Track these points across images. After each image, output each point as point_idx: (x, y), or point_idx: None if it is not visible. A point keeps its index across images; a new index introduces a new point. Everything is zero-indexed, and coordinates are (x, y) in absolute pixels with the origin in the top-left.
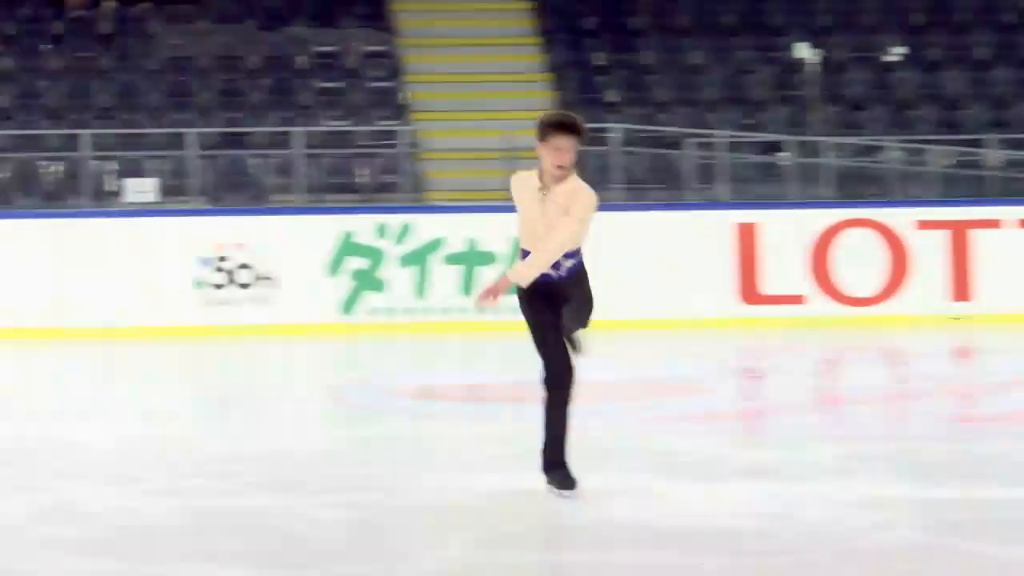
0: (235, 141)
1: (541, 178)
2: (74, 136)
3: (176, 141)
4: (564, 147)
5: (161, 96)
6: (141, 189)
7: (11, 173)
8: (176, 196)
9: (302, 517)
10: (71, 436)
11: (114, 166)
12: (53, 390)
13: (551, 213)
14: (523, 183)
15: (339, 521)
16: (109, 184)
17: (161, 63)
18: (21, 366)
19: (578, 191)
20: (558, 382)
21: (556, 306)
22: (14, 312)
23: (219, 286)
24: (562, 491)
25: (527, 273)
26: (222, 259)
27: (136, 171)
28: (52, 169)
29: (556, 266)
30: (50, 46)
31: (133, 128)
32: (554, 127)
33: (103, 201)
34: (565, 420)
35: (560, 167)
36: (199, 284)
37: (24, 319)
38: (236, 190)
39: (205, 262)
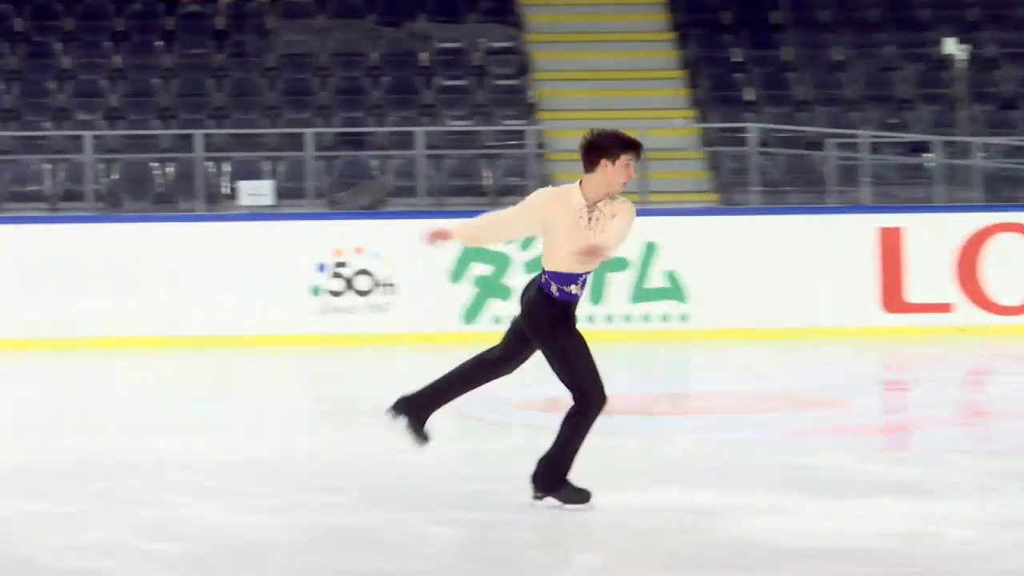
0: (354, 142)
1: (588, 197)
2: (187, 136)
3: (293, 142)
4: (634, 166)
5: (277, 95)
6: (256, 192)
7: (121, 175)
8: (292, 199)
9: (417, 535)
10: (181, 449)
11: (228, 168)
12: (165, 402)
13: (602, 229)
14: (559, 202)
15: (455, 539)
16: (223, 187)
17: (278, 60)
18: (134, 377)
19: (625, 202)
20: (598, 403)
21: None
22: (126, 321)
23: (337, 293)
24: (578, 505)
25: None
26: (340, 265)
27: (251, 173)
28: (164, 171)
29: (582, 283)
30: (162, 43)
31: (248, 128)
32: (628, 146)
33: (217, 204)
34: (584, 440)
35: (625, 184)
36: (316, 291)
37: (136, 328)
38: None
39: (322, 268)
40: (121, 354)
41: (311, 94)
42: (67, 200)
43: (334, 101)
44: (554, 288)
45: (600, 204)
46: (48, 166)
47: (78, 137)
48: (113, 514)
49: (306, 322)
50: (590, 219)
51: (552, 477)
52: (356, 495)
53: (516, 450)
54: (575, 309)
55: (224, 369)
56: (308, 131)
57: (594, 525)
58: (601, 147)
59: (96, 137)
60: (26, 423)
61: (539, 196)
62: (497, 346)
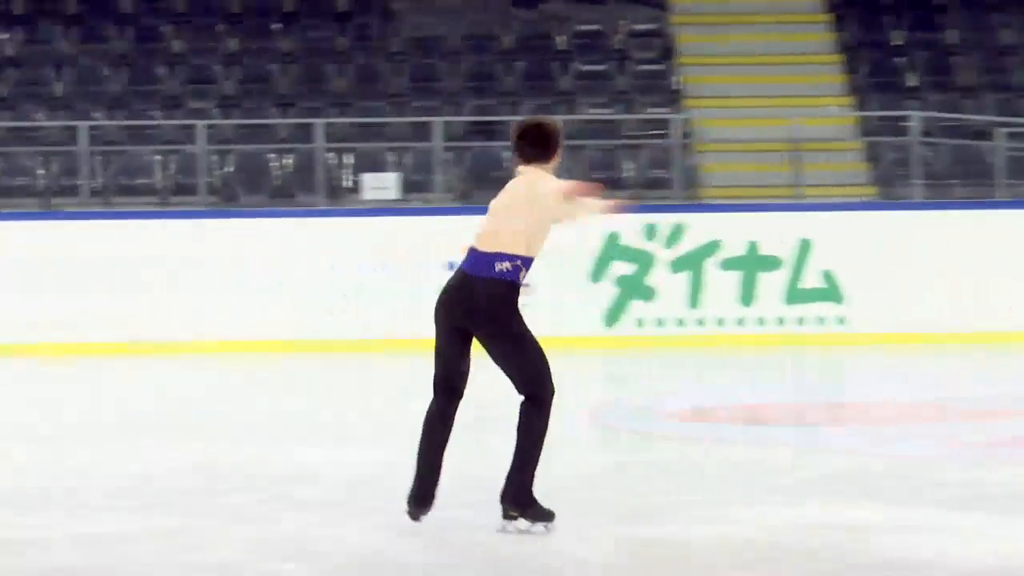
0: (485, 131)
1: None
2: (306, 126)
3: (420, 131)
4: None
5: (403, 81)
6: (381, 185)
7: (236, 167)
8: (419, 193)
9: (563, 554)
10: (310, 461)
11: (350, 160)
12: (293, 409)
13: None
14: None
15: (598, 555)
16: (345, 180)
17: (404, 44)
18: (257, 379)
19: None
20: (550, 397)
21: None
22: (239, 323)
23: None
24: (545, 524)
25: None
26: None
27: (375, 165)
28: (282, 162)
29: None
30: (280, 25)
31: (372, 117)
32: None
33: (338, 199)
34: (543, 443)
35: None
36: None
37: (251, 331)
38: (487, 186)
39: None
40: (240, 356)
41: (439, 80)
42: (178, 194)
43: (464, 88)
44: (523, 275)
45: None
46: (158, 158)
47: (190, 127)
48: (237, 531)
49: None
50: None
51: (523, 493)
52: (492, 510)
53: (658, 462)
54: None
55: (360, 374)
56: (436, 120)
57: (736, 541)
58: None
59: (209, 127)
60: (141, 430)
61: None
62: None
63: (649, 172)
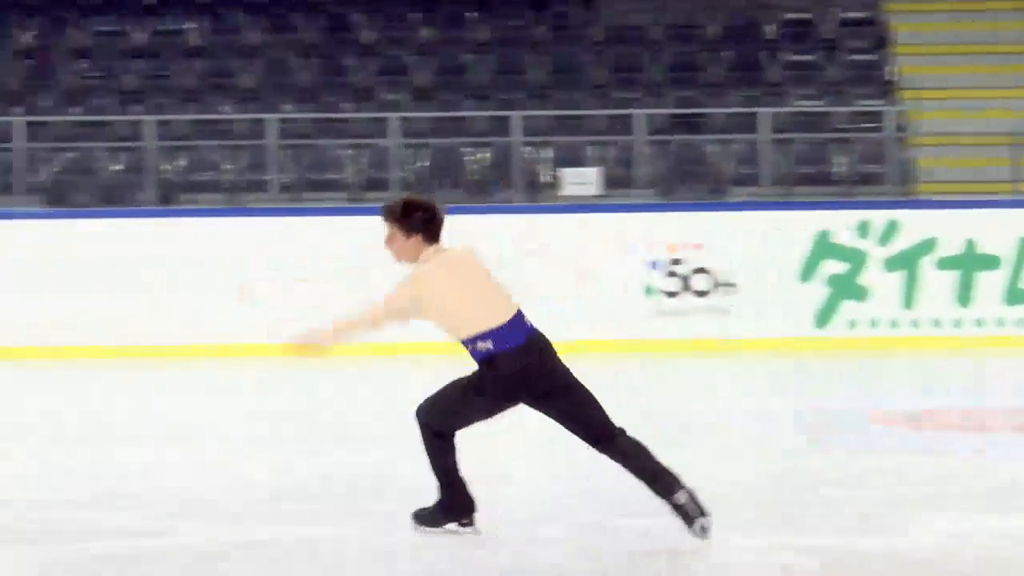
0: (690, 124)
1: None
2: (503, 119)
3: (621, 124)
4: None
5: (604, 72)
6: (581, 180)
7: (430, 161)
8: (621, 188)
9: (779, 566)
10: (467, 464)
11: (549, 154)
12: None
13: None
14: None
15: (785, 567)
16: (544, 174)
17: (604, 34)
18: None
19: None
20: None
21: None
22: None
23: (672, 293)
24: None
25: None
26: (675, 262)
27: (575, 159)
28: (477, 156)
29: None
30: (475, 14)
31: (571, 109)
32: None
33: (537, 194)
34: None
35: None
36: (649, 291)
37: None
38: (691, 181)
39: (656, 265)
40: (429, 359)
41: (641, 71)
42: (370, 189)
43: (667, 79)
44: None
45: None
46: (349, 152)
47: (382, 120)
48: (384, 538)
49: (637, 326)
50: None
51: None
52: (672, 519)
53: (862, 469)
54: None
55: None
56: (638, 112)
57: (930, 553)
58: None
59: (402, 120)
60: (280, 436)
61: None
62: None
63: (861, 167)
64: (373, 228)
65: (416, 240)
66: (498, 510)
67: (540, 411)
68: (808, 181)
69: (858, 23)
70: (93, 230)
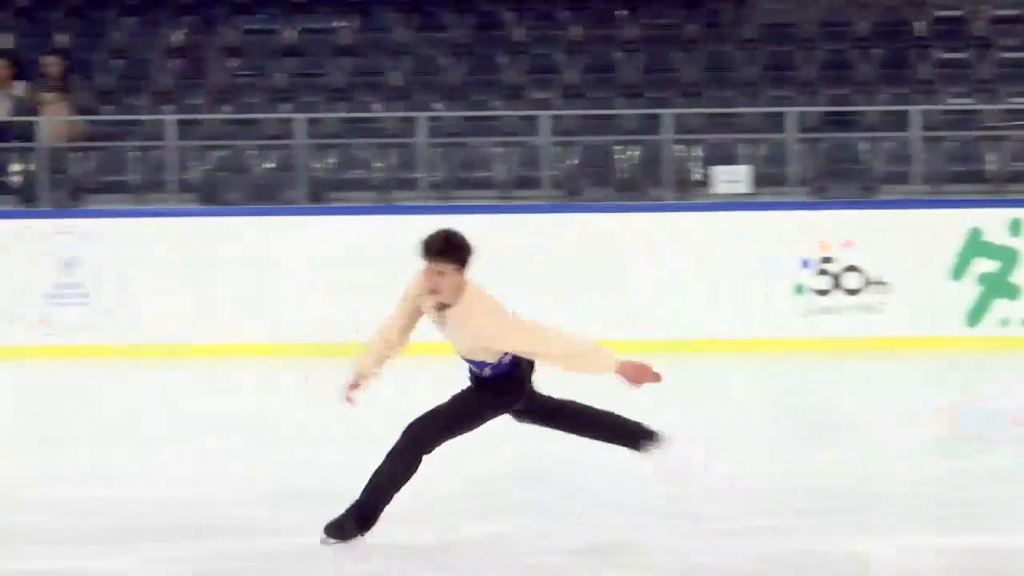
0: (841, 122)
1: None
2: (653, 117)
3: (772, 122)
4: (432, 273)
5: (756, 70)
6: (732, 178)
7: (580, 159)
8: (772, 186)
9: (902, 566)
10: (638, 463)
11: (700, 152)
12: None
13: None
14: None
15: (939, 569)
16: (694, 172)
17: (756, 31)
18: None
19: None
20: (419, 452)
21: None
22: (584, 321)
23: (823, 292)
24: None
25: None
26: (826, 260)
27: (726, 157)
28: (627, 154)
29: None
30: (625, 12)
31: (722, 107)
32: (425, 251)
33: (687, 192)
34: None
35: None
36: (799, 290)
37: (593, 329)
38: (843, 179)
39: (806, 264)
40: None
41: (793, 69)
42: (520, 187)
43: (819, 76)
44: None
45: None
46: (499, 150)
47: (532, 118)
48: (552, 536)
49: (787, 325)
50: (437, 312)
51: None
52: (818, 519)
53: (1012, 471)
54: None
55: (687, 375)
56: (790, 110)
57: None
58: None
59: (552, 117)
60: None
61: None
62: None
63: (1013, 164)
64: (523, 226)
65: (462, 275)
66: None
67: (521, 419)
68: (959, 179)
69: (1010, 21)
70: (244, 228)
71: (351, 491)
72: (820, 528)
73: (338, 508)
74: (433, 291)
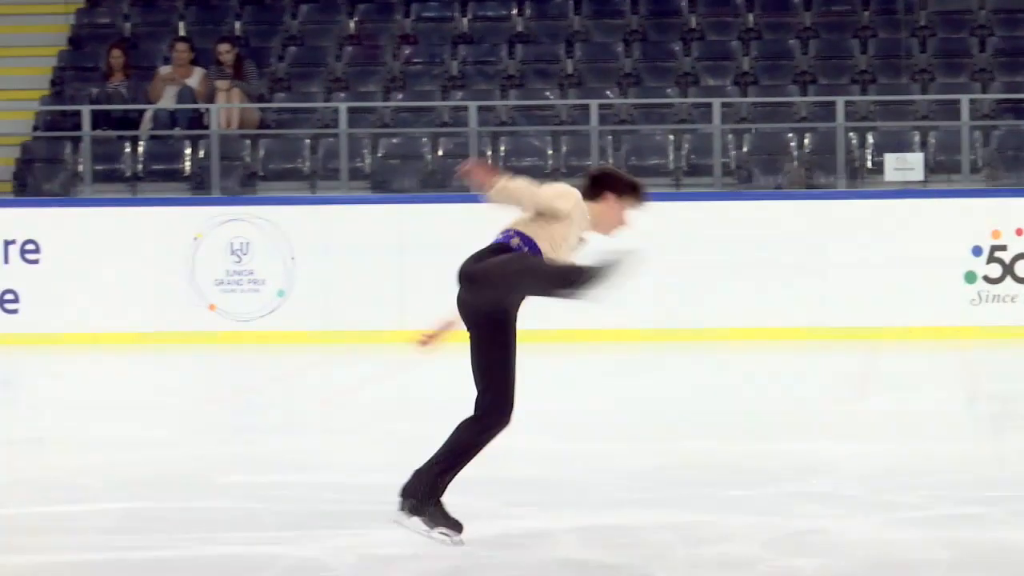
0: (1016, 109)
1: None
2: (827, 104)
3: (946, 109)
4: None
5: (929, 57)
6: (904, 166)
7: (752, 147)
8: (945, 174)
9: None
10: (820, 453)
11: (872, 139)
12: (803, 398)
13: None
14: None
15: None
16: (867, 160)
17: (930, 18)
18: (752, 369)
19: None
20: (504, 420)
21: None
22: (752, 311)
23: (994, 280)
24: (447, 534)
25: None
26: (999, 248)
27: (898, 145)
28: (801, 142)
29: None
30: (800, 0)
31: (896, 95)
32: (633, 191)
33: (859, 180)
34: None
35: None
36: (971, 277)
37: (767, 318)
38: (1016, 166)
39: (978, 252)
40: (748, 345)
41: (968, 56)
42: (692, 175)
43: (994, 64)
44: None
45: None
46: (671, 137)
47: (705, 105)
48: (745, 525)
49: (960, 312)
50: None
51: (426, 493)
52: (1014, 507)
53: None
54: None
55: (862, 364)
56: (964, 97)
57: None
58: (610, 180)
59: (725, 105)
60: (650, 422)
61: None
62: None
63: None
64: (695, 213)
65: None
66: None
67: None
68: None
69: None
70: (418, 215)
71: (549, 479)
72: (1013, 517)
73: (544, 495)
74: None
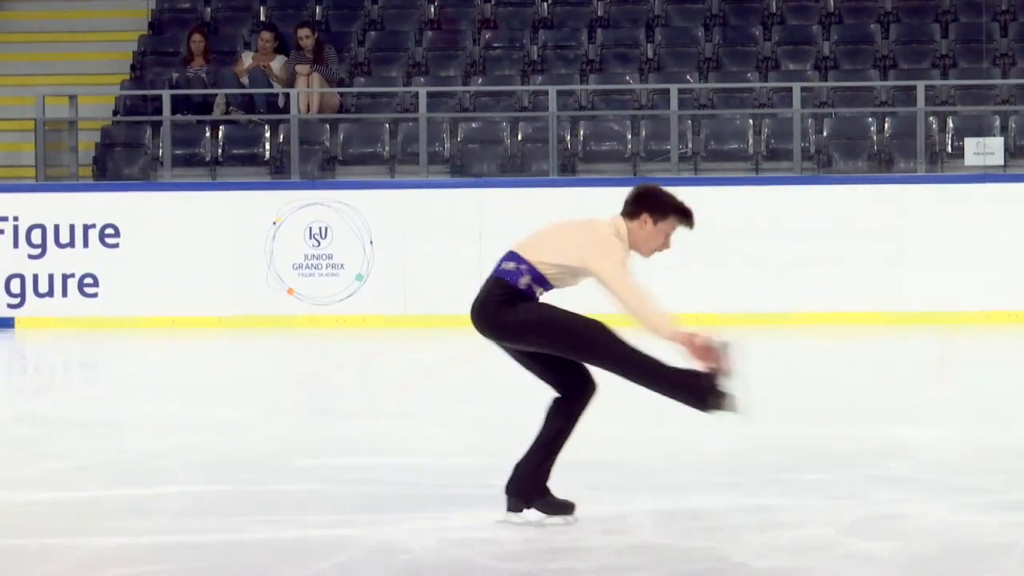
0: None
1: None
2: (908, 88)
3: None
4: (672, 236)
5: (1009, 41)
6: (984, 150)
7: (831, 132)
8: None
9: None
10: (900, 437)
11: (953, 123)
12: (873, 383)
13: None
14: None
15: None
16: (947, 144)
17: (1010, 3)
18: (842, 355)
19: None
20: (590, 389)
21: None
22: (837, 296)
23: None
24: (562, 517)
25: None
26: None
27: (979, 129)
28: (882, 126)
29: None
30: None
31: (976, 79)
32: (679, 213)
33: (939, 164)
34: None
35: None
36: None
37: (852, 302)
38: None
39: None
40: (826, 330)
41: None
42: (771, 159)
43: None
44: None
45: None
46: (751, 122)
47: (785, 89)
48: (823, 509)
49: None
50: None
51: (532, 485)
52: None
53: None
54: None
55: (942, 349)
56: None
57: None
58: (649, 201)
59: (805, 89)
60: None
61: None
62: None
63: None
64: (772, 198)
65: None
66: None
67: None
68: None
69: None
70: (497, 200)
71: (626, 464)
72: None
73: (620, 479)
74: (655, 250)
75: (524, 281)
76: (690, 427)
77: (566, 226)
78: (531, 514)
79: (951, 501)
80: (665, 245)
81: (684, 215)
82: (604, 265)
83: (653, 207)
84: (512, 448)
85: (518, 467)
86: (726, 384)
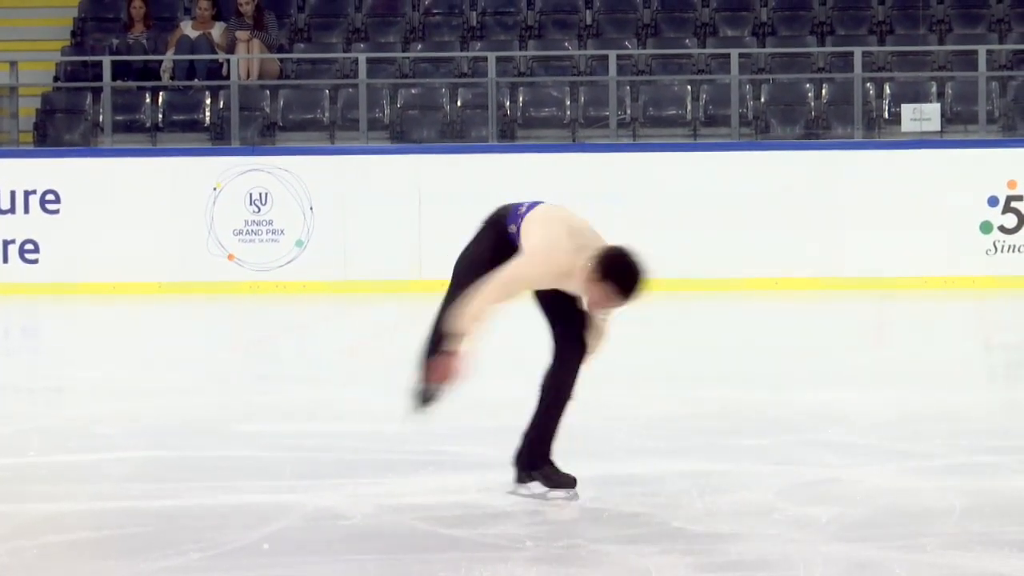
0: None
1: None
2: (844, 55)
3: (963, 60)
4: (614, 306)
5: (946, 7)
6: (921, 116)
7: (769, 98)
8: (960, 124)
9: None
10: (834, 403)
11: (889, 90)
12: (811, 350)
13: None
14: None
15: None
16: (883, 111)
17: None
18: (769, 322)
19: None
20: (579, 350)
21: None
22: (774, 261)
23: (1010, 230)
24: (563, 490)
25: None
26: (1015, 199)
27: (915, 95)
28: (818, 93)
29: None
30: None
31: (912, 45)
32: (624, 291)
33: (875, 131)
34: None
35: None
36: (987, 228)
37: (764, 268)
38: None
39: (994, 202)
40: (763, 295)
41: (985, 7)
42: (709, 126)
43: (1011, 14)
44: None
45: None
46: (689, 88)
47: (724, 56)
48: (761, 474)
49: (975, 262)
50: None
51: (536, 454)
52: None
53: None
54: None
55: (878, 314)
56: (981, 48)
57: None
58: (608, 260)
59: (743, 56)
60: (664, 372)
61: None
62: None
63: None
64: (710, 164)
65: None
66: None
67: None
68: None
69: None
70: (437, 166)
71: (564, 429)
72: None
73: (559, 444)
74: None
75: (512, 229)
76: (627, 392)
77: (563, 220)
78: (535, 487)
79: (888, 466)
80: (602, 306)
81: (622, 289)
82: (516, 262)
83: (604, 266)
84: (452, 414)
85: (522, 437)
86: (434, 391)
